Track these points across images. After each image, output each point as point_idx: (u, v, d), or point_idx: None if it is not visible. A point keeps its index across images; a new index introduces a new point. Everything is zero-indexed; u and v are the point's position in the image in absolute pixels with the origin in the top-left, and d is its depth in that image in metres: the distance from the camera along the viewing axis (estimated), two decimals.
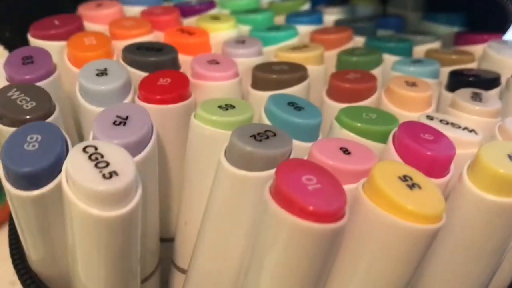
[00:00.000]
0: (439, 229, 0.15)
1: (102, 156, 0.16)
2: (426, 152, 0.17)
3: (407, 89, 0.22)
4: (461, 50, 0.28)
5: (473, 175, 0.17)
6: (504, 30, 0.28)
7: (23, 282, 0.20)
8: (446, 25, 0.31)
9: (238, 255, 0.18)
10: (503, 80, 0.24)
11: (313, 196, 0.15)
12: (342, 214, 0.15)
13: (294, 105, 0.20)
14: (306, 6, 0.33)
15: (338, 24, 0.31)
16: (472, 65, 0.27)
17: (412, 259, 0.16)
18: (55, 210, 0.17)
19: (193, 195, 0.21)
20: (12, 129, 0.18)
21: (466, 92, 0.22)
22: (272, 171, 0.16)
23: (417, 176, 0.16)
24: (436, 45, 0.29)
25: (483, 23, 0.30)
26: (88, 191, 0.15)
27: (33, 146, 0.17)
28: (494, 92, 0.24)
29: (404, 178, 0.16)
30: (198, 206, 0.20)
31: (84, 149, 0.16)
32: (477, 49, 0.27)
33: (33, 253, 0.20)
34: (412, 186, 0.15)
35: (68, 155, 0.16)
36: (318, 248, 0.15)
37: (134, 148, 0.18)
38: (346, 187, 0.16)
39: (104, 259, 0.17)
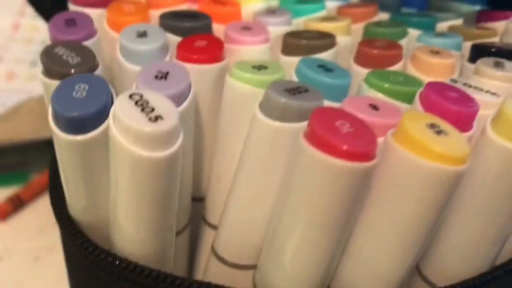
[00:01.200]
0: (464, 171, 0.16)
1: (147, 103, 0.17)
2: (451, 106, 0.18)
3: (432, 56, 0.23)
4: (483, 26, 0.29)
5: (496, 126, 0.18)
6: None
7: (64, 229, 0.21)
8: (468, 3, 0.32)
9: (269, 205, 0.19)
10: None
11: (346, 137, 0.16)
12: (374, 155, 0.16)
13: (324, 67, 0.21)
14: None
15: (364, 0, 0.32)
16: (494, 39, 0.27)
17: (439, 201, 0.17)
18: (100, 156, 0.19)
19: (227, 151, 0.22)
20: (58, 82, 0.19)
21: (489, 60, 0.23)
22: (305, 123, 0.17)
23: (444, 124, 0.17)
24: (458, 21, 0.30)
25: (504, 2, 0.31)
26: (136, 132, 0.16)
27: (81, 94, 0.18)
28: None
29: (432, 126, 0.17)
30: (231, 162, 0.21)
31: (130, 96, 0.17)
32: (499, 25, 0.28)
33: (74, 200, 0.21)
34: (439, 132, 0.16)
35: (116, 101, 0.17)
36: (351, 188, 0.16)
37: (174, 101, 0.19)
38: None
39: (145, 203, 0.18)
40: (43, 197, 0.43)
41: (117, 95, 0.24)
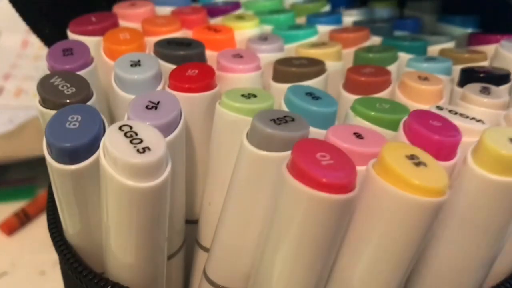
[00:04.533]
0: (443, 202, 0.16)
1: (136, 134, 0.18)
2: (433, 136, 0.19)
3: (419, 82, 0.24)
4: (473, 50, 0.29)
5: (477, 156, 0.18)
6: None
7: (60, 253, 0.21)
8: (461, 27, 0.33)
9: (257, 230, 0.20)
10: None
11: (326, 170, 0.16)
12: (353, 186, 0.16)
13: (312, 95, 0.22)
14: (326, 8, 0.34)
15: (357, 25, 0.32)
16: (484, 63, 0.28)
17: (418, 232, 0.17)
18: (92, 185, 0.19)
19: (217, 177, 0.22)
20: (54, 112, 0.20)
21: (476, 86, 0.24)
22: (290, 152, 0.18)
23: (423, 155, 0.17)
24: (450, 45, 0.30)
25: (495, 24, 0.31)
26: (124, 163, 0.17)
27: (74, 125, 0.19)
28: (504, 87, 0.25)
29: (411, 157, 0.17)
30: (222, 187, 0.22)
31: (120, 128, 0.18)
32: (490, 48, 0.29)
33: (70, 226, 0.21)
34: (418, 164, 0.17)
35: (106, 132, 0.18)
36: (331, 218, 0.16)
37: (164, 130, 0.19)
38: (358, 168, 0.17)
39: (135, 230, 0.19)
40: None
41: (113, 120, 0.25)
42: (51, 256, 0.38)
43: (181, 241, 0.24)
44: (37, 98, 0.21)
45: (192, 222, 0.25)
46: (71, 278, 0.22)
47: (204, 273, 0.23)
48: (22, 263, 0.38)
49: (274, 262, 0.18)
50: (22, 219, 0.42)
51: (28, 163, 0.45)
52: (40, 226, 0.42)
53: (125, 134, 0.18)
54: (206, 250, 0.24)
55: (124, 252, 0.20)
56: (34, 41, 0.63)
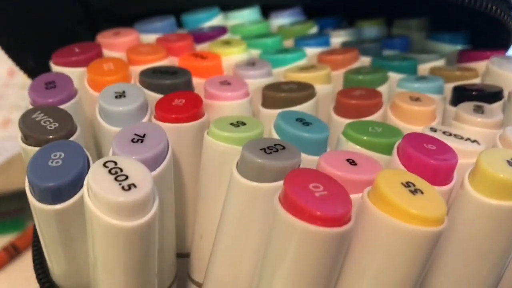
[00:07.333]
0: (441, 232, 0.16)
1: (121, 170, 0.17)
2: (429, 160, 0.18)
3: (412, 103, 0.23)
4: (464, 67, 0.29)
5: (474, 180, 0.17)
6: (506, 47, 0.29)
7: None
8: (450, 44, 0.32)
9: (251, 263, 0.19)
10: (505, 94, 0.25)
11: (320, 202, 0.15)
12: (348, 218, 0.16)
13: (302, 120, 0.21)
14: (314, 30, 0.34)
15: (345, 46, 0.32)
16: (476, 81, 0.27)
17: (417, 262, 0.16)
18: (77, 224, 0.18)
19: (208, 209, 0.22)
20: (37, 149, 0.19)
21: (469, 105, 0.23)
22: (282, 182, 0.17)
23: (419, 182, 0.17)
24: (440, 62, 0.30)
25: (485, 40, 0.31)
26: (109, 202, 0.16)
27: (57, 162, 0.18)
28: (496, 105, 0.24)
29: (407, 184, 0.16)
30: (213, 219, 0.21)
31: (104, 164, 0.17)
32: (480, 65, 0.28)
33: (56, 267, 0.21)
34: (414, 191, 0.16)
35: (89, 170, 0.17)
36: (326, 252, 0.16)
37: (151, 164, 0.19)
38: (353, 196, 0.16)
39: (123, 269, 0.18)
40: None
41: (100, 154, 0.24)
42: None
43: (172, 276, 0.23)
44: (19, 134, 0.20)
45: (183, 256, 0.24)
46: None
47: None
48: None
49: None
50: (12, 253, 0.40)
51: (16, 194, 0.44)
52: (30, 260, 0.41)
53: (110, 171, 0.17)
54: (199, 285, 0.23)
55: None
56: None
